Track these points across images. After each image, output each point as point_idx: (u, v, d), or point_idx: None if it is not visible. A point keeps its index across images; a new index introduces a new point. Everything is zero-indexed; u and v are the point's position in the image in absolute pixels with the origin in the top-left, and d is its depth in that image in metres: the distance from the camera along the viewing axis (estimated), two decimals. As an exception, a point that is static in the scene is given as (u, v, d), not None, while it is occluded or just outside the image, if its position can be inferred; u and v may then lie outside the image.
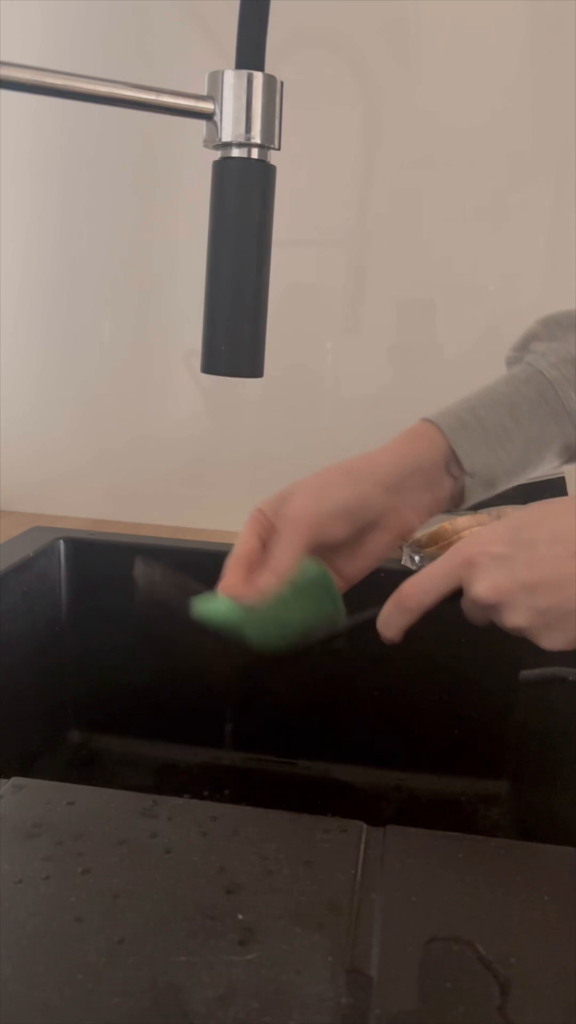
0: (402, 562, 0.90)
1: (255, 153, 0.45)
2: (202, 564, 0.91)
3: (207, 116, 0.45)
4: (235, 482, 1.04)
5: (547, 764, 0.77)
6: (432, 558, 0.89)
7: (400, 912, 0.41)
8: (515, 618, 0.47)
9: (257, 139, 0.45)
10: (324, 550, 0.57)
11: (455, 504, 0.60)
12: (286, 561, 0.54)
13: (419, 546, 0.89)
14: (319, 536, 0.55)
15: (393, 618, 0.52)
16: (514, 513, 0.50)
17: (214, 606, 0.54)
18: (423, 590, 0.51)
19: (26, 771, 0.86)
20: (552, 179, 0.94)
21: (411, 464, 0.57)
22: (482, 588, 0.47)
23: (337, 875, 0.43)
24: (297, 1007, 0.35)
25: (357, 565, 0.60)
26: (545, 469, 0.62)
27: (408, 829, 0.46)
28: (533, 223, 0.95)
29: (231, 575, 0.56)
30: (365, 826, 0.47)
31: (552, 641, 0.47)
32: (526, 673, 0.68)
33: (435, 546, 0.88)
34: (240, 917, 0.40)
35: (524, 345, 0.65)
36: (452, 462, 0.58)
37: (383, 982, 0.36)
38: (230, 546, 0.94)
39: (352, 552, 0.59)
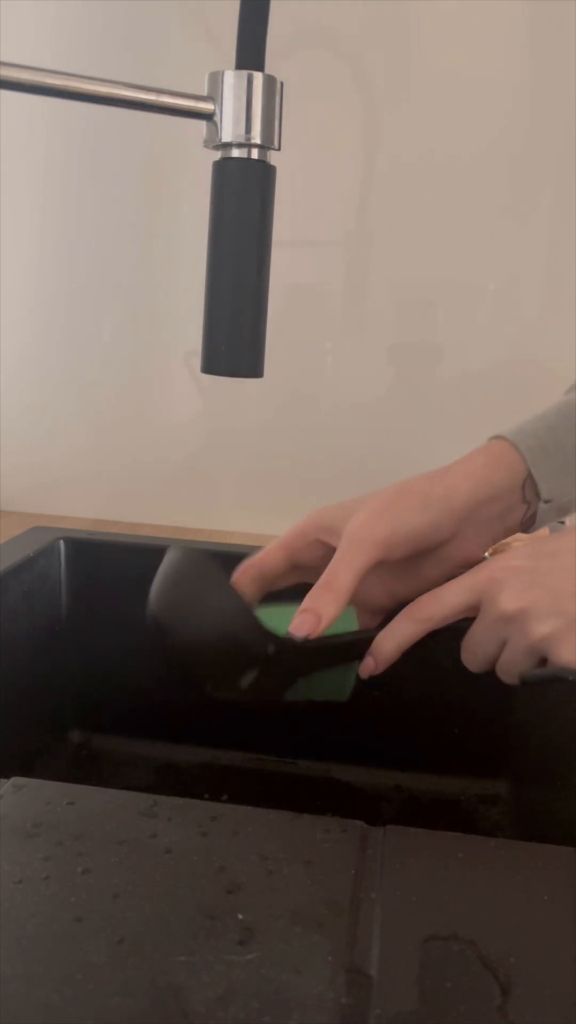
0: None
1: (255, 153, 0.45)
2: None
3: (207, 116, 0.45)
4: (235, 482, 1.04)
5: (547, 764, 0.77)
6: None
7: (400, 912, 0.41)
8: (540, 626, 0.47)
9: (257, 139, 0.45)
10: (379, 567, 0.53)
11: (524, 529, 0.57)
12: (348, 583, 0.50)
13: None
14: (383, 560, 0.52)
15: (400, 628, 0.51)
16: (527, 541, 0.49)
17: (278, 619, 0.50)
18: (440, 601, 0.50)
19: (26, 771, 0.86)
20: (552, 179, 0.94)
21: (488, 493, 0.54)
22: (506, 598, 0.47)
23: (337, 875, 0.43)
24: (297, 1007, 0.35)
25: (409, 586, 0.56)
26: None
27: (408, 829, 0.46)
28: (533, 223, 0.95)
29: (238, 580, 0.54)
30: (365, 826, 0.47)
31: (571, 655, 0.47)
32: (526, 673, 0.68)
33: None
34: (240, 917, 0.40)
35: None
36: (529, 488, 0.55)
37: (383, 982, 0.36)
38: (230, 546, 0.94)
39: (406, 573, 0.55)
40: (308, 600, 0.50)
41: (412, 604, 0.51)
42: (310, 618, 0.49)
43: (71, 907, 0.40)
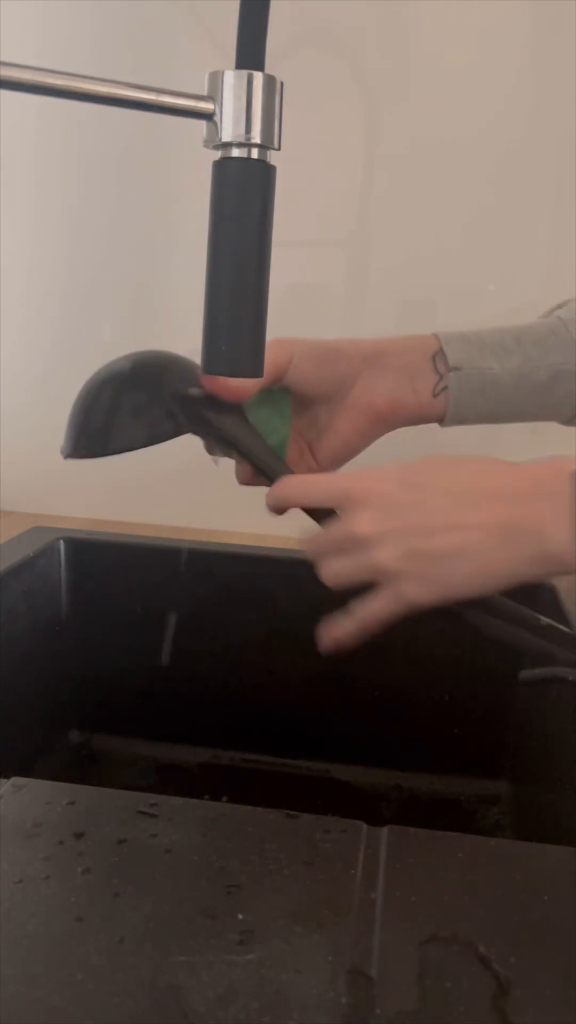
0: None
1: (255, 153, 0.45)
2: (202, 564, 0.92)
3: (207, 116, 0.45)
4: (235, 482, 1.04)
5: (547, 764, 0.77)
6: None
7: (400, 912, 0.41)
8: (384, 555, 0.47)
9: (257, 139, 0.45)
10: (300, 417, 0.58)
11: (438, 412, 0.59)
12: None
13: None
14: (287, 361, 0.57)
15: (271, 499, 0.54)
16: (409, 463, 0.50)
17: None
18: (301, 492, 0.52)
19: (26, 771, 0.86)
20: (552, 179, 0.94)
21: (394, 346, 0.59)
22: (361, 519, 0.48)
23: (337, 875, 0.43)
24: (297, 1007, 0.35)
25: (329, 445, 0.60)
26: (553, 403, 0.60)
27: (408, 829, 0.46)
28: (533, 223, 0.95)
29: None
30: (365, 826, 0.46)
31: (416, 589, 0.47)
32: (526, 673, 0.68)
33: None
34: (240, 917, 0.40)
35: (554, 309, 0.65)
36: (439, 357, 0.58)
37: (383, 982, 0.36)
38: (230, 546, 0.94)
39: (324, 430, 0.59)
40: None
41: (285, 480, 0.53)
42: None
43: (71, 907, 0.40)
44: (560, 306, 0.65)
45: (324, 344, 0.59)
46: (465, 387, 0.58)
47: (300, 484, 0.52)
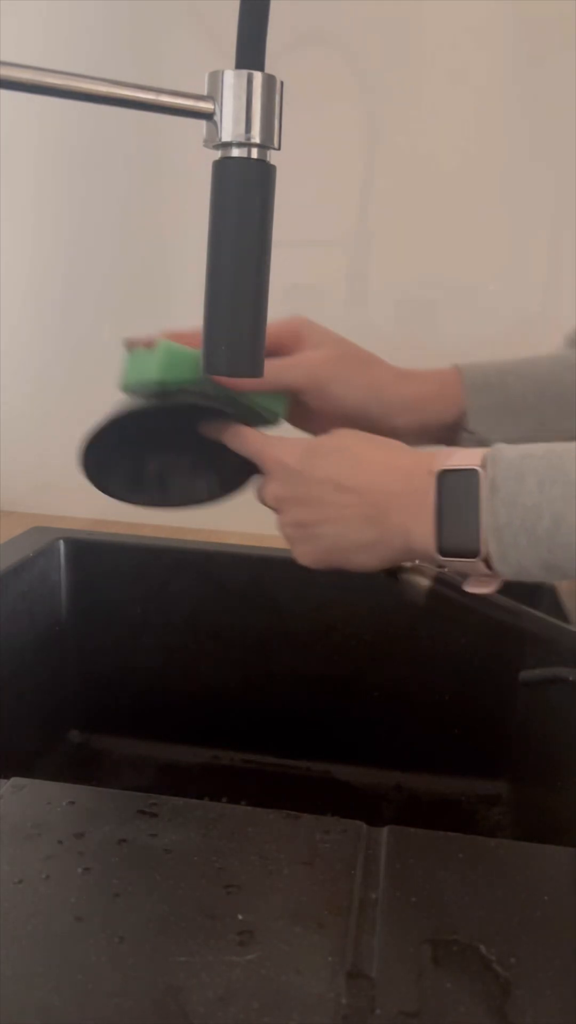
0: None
1: (255, 153, 0.45)
2: (202, 564, 0.92)
3: (207, 116, 0.45)
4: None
5: (547, 764, 0.77)
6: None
7: (400, 912, 0.41)
8: (283, 523, 0.55)
9: (257, 139, 0.45)
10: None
11: (438, 439, 0.63)
12: (269, 383, 0.58)
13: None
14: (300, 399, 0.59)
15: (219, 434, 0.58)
16: (318, 437, 0.55)
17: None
18: (235, 442, 0.57)
19: (26, 771, 0.86)
20: (552, 178, 0.94)
21: (421, 423, 0.61)
22: (267, 489, 0.55)
23: (337, 875, 0.43)
24: (297, 1007, 0.35)
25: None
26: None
27: (408, 829, 0.46)
28: (533, 223, 0.95)
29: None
30: (365, 826, 0.46)
31: (300, 554, 0.54)
32: (526, 673, 0.68)
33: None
34: (240, 917, 0.40)
35: None
36: (460, 417, 0.61)
37: (383, 982, 0.36)
38: (230, 546, 0.94)
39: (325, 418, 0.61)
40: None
41: (232, 427, 0.58)
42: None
43: (71, 907, 0.40)
44: None
45: (348, 407, 0.60)
46: (473, 442, 0.61)
47: (236, 434, 0.57)
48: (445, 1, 0.91)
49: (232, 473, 0.60)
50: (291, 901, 0.41)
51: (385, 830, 0.46)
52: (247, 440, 0.56)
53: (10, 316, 1.04)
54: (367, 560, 0.52)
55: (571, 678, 0.65)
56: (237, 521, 1.03)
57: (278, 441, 0.55)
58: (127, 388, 0.59)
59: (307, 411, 0.61)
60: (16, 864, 0.42)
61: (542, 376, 0.61)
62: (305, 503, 0.52)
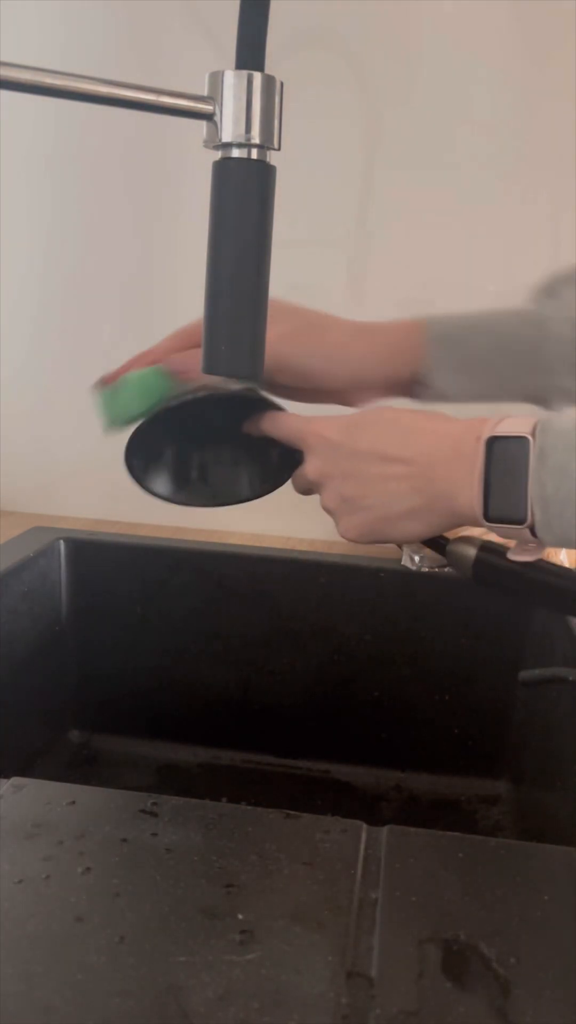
0: (402, 562, 0.90)
1: (255, 153, 0.45)
2: (202, 564, 0.92)
3: (207, 116, 0.45)
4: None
5: (547, 764, 0.77)
6: (433, 559, 0.89)
7: (400, 912, 0.41)
8: (324, 497, 0.54)
9: (257, 139, 0.45)
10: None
11: (403, 392, 0.63)
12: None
13: (419, 546, 0.89)
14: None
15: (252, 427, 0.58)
16: (361, 410, 0.56)
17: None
18: (271, 427, 0.57)
19: (26, 771, 0.86)
20: (552, 178, 0.93)
21: (383, 374, 0.61)
22: (311, 466, 0.54)
23: (337, 875, 0.43)
24: (297, 1007, 0.35)
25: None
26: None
27: (408, 829, 0.46)
28: (533, 222, 0.95)
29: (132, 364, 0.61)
30: (365, 826, 0.47)
31: (345, 528, 0.54)
32: (526, 673, 0.68)
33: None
34: (240, 917, 0.40)
35: (552, 288, 0.67)
36: (422, 369, 0.61)
37: (383, 982, 0.36)
38: (230, 546, 0.94)
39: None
40: (182, 354, 0.59)
41: (267, 414, 0.57)
42: (178, 360, 0.58)
43: (71, 907, 0.40)
44: (553, 291, 0.66)
45: (308, 368, 0.60)
46: (435, 395, 0.62)
47: (271, 420, 0.57)
48: (445, 1, 0.91)
49: (274, 464, 0.60)
50: (291, 901, 0.41)
51: (385, 830, 0.46)
52: (286, 423, 0.56)
53: (11, 316, 1.04)
54: (413, 528, 0.51)
55: (571, 678, 0.65)
56: (237, 521, 1.03)
57: (317, 418, 0.55)
58: (112, 425, 0.60)
59: (281, 389, 0.61)
60: (16, 864, 0.42)
61: (505, 332, 0.61)
62: (350, 476, 0.52)
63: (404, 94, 0.94)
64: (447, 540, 0.54)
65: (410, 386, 0.62)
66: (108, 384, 0.59)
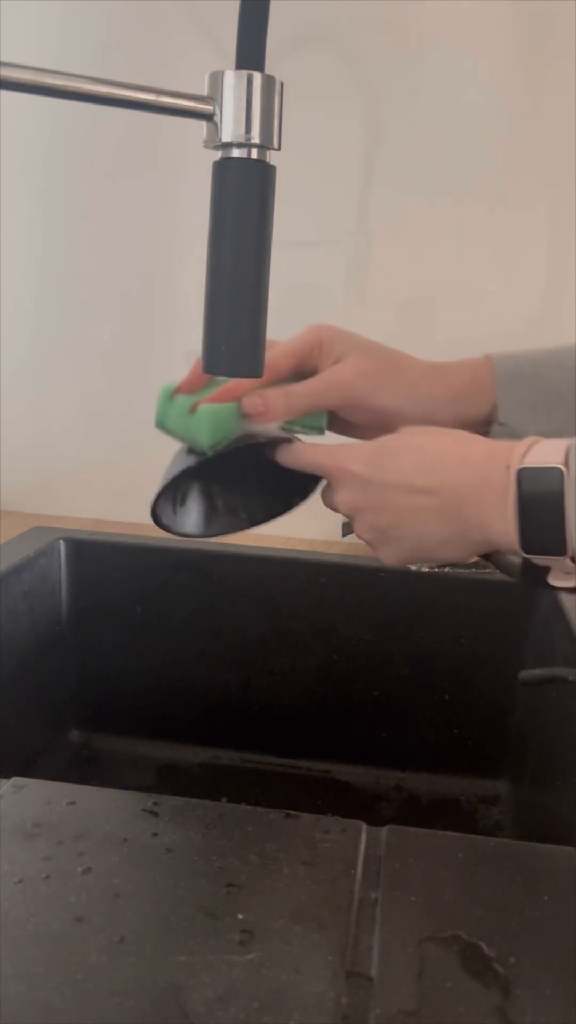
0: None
1: (255, 153, 0.45)
2: (202, 564, 0.92)
3: (207, 117, 0.45)
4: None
5: (547, 764, 0.77)
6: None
7: (400, 912, 0.41)
8: (359, 529, 0.54)
9: (257, 139, 0.45)
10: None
11: (477, 430, 0.60)
12: (300, 408, 0.56)
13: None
14: (340, 410, 0.59)
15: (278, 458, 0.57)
16: (385, 437, 0.54)
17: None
18: (292, 459, 0.55)
19: (26, 771, 0.86)
20: (552, 178, 0.93)
21: (456, 414, 0.59)
22: (339, 499, 0.54)
23: (337, 875, 0.43)
24: (297, 1007, 0.35)
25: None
26: None
27: (408, 829, 0.46)
28: (533, 223, 0.95)
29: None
30: (365, 826, 0.47)
31: (385, 555, 0.53)
32: (526, 673, 0.68)
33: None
34: (240, 917, 0.40)
35: None
36: (493, 409, 0.59)
37: (383, 982, 0.36)
38: (230, 546, 0.94)
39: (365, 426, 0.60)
40: (262, 394, 0.56)
41: (287, 446, 0.56)
42: (259, 403, 0.55)
43: (71, 907, 0.40)
44: None
45: (388, 407, 0.58)
46: (504, 434, 0.59)
47: (292, 451, 0.56)
48: (445, 1, 0.91)
49: (301, 484, 0.59)
50: (291, 901, 0.41)
51: (385, 830, 0.46)
52: (305, 456, 0.55)
53: (11, 317, 1.04)
54: (452, 554, 0.51)
55: (571, 678, 0.65)
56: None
57: (339, 450, 0.54)
58: (167, 431, 0.59)
59: (346, 423, 0.60)
60: (16, 864, 0.42)
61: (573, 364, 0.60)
62: (380, 509, 0.52)
63: (404, 94, 0.94)
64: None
65: (483, 424, 0.60)
66: (180, 393, 0.57)
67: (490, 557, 0.53)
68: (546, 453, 0.45)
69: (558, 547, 0.45)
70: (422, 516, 0.50)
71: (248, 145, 0.45)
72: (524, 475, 0.45)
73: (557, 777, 0.73)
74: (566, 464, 0.44)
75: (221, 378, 0.56)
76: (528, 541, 0.46)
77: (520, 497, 0.45)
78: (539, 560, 0.46)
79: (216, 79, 0.45)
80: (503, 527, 0.46)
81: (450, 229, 0.96)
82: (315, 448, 0.55)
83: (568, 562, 0.45)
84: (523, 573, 0.50)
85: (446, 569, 0.88)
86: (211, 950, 0.37)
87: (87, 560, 0.94)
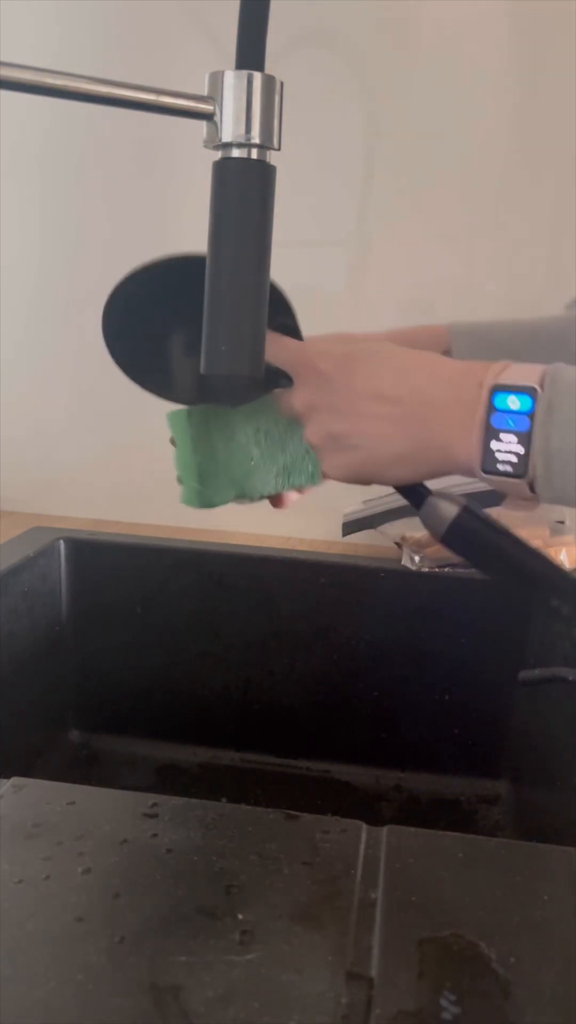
0: (402, 562, 0.90)
1: (255, 153, 0.45)
2: (202, 564, 0.92)
3: (207, 116, 0.45)
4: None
5: (547, 764, 0.77)
6: (433, 559, 0.89)
7: (400, 912, 0.41)
8: (311, 432, 0.52)
9: (257, 139, 0.45)
10: None
11: None
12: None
13: (420, 546, 0.90)
14: None
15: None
16: (359, 342, 0.52)
17: None
18: (275, 349, 0.53)
19: (26, 771, 0.86)
20: (552, 178, 0.93)
21: (404, 339, 0.58)
22: (297, 395, 0.52)
23: (337, 875, 0.43)
24: (297, 1007, 0.35)
25: None
26: None
27: (408, 829, 0.46)
28: (533, 222, 0.95)
29: None
30: (365, 826, 0.47)
31: (329, 466, 0.51)
32: (526, 673, 0.68)
33: (435, 546, 0.88)
34: (240, 917, 0.40)
35: None
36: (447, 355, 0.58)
37: (383, 982, 0.36)
38: (230, 546, 0.94)
39: None
40: None
41: (276, 336, 0.54)
42: None
43: (71, 907, 0.40)
44: None
45: (334, 337, 0.57)
46: None
47: (272, 341, 0.53)
48: (445, 1, 0.91)
49: (269, 382, 0.56)
50: (291, 901, 0.41)
51: (385, 830, 0.46)
52: (278, 346, 0.53)
53: (11, 317, 1.04)
54: (400, 473, 0.49)
55: (571, 678, 0.65)
56: (237, 521, 1.03)
57: (312, 344, 0.52)
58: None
59: None
60: (16, 864, 0.42)
61: (530, 325, 0.60)
62: (340, 412, 0.49)
63: (404, 94, 0.94)
64: (428, 492, 0.51)
65: None
66: None
67: (425, 500, 0.50)
68: (522, 374, 0.44)
69: (520, 469, 0.43)
70: (382, 426, 0.48)
71: (248, 145, 0.45)
72: (497, 391, 0.44)
73: (557, 777, 0.73)
74: (541, 386, 0.43)
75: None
76: (488, 460, 0.44)
77: (488, 412, 0.44)
78: (496, 482, 0.45)
79: (216, 79, 0.45)
80: (466, 445, 0.45)
81: (450, 229, 0.96)
82: (288, 341, 0.53)
83: (525, 487, 0.44)
84: (463, 513, 0.48)
85: (446, 569, 0.88)
86: (211, 950, 0.37)
87: (87, 560, 0.94)
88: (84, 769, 0.92)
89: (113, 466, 1.07)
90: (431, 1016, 0.35)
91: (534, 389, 0.43)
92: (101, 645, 0.95)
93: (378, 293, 0.99)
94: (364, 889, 0.42)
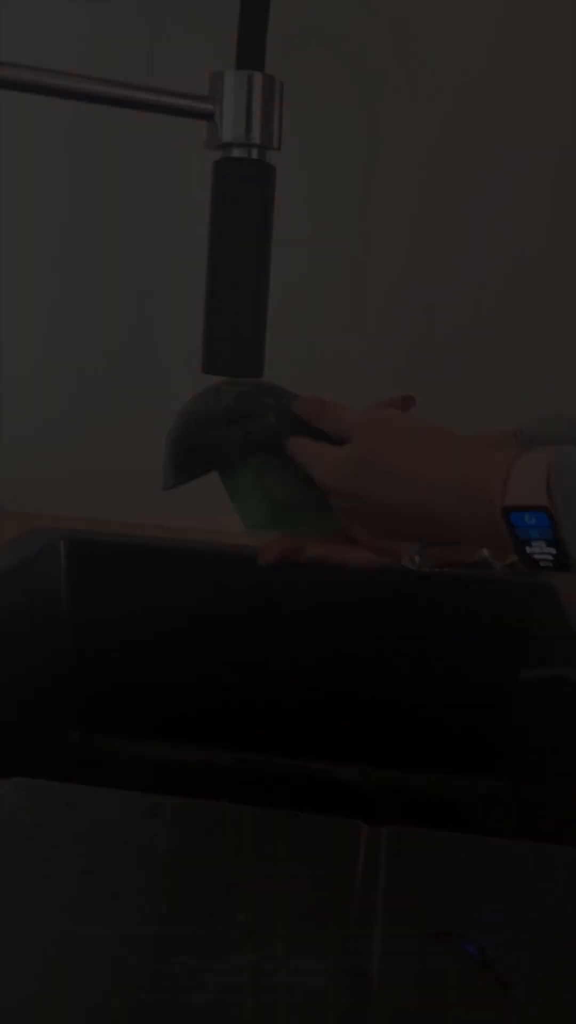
0: (402, 562, 0.90)
1: (255, 153, 0.45)
2: (202, 564, 0.92)
3: (207, 116, 0.45)
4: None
5: (547, 764, 0.77)
6: (433, 559, 0.88)
7: (400, 912, 0.41)
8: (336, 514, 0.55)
9: (257, 140, 0.45)
10: None
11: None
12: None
13: (420, 545, 0.89)
14: None
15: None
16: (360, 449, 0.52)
17: None
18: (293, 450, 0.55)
19: (26, 771, 0.86)
20: (552, 178, 0.93)
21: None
22: (325, 477, 0.53)
23: (337, 875, 0.43)
24: (297, 1007, 0.35)
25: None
26: None
27: (408, 829, 0.46)
28: (534, 222, 0.95)
29: None
30: (365, 826, 0.47)
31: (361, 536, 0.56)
32: (526, 673, 0.68)
33: (435, 546, 0.87)
34: (240, 917, 0.40)
35: None
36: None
37: (383, 982, 0.36)
38: (230, 546, 0.94)
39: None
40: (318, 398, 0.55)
41: (294, 440, 0.55)
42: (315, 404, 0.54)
43: (71, 907, 0.40)
44: None
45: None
46: None
47: (297, 445, 0.55)
48: (445, 1, 0.91)
49: None
50: (291, 901, 0.41)
51: (385, 830, 0.46)
52: (301, 451, 0.55)
53: (12, 317, 1.04)
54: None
55: (571, 678, 0.65)
56: (237, 521, 1.03)
57: (323, 453, 0.53)
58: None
59: None
60: (16, 864, 0.42)
61: None
62: (358, 516, 0.54)
63: (404, 94, 0.94)
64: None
65: None
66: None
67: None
68: (528, 483, 0.43)
69: (561, 562, 0.44)
70: (405, 532, 0.55)
71: (248, 145, 0.45)
72: (511, 513, 0.44)
73: (557, 777, 0.73)
74: (548, 487, 0.42)
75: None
76: (530, 563, 0.46)
77: (511, 529, 0.45)
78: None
79: (216, 79, 0.45)
80: (474, 533, 0.48)
81: (450, 228, 0.96)
82: (305, 444, 0.54)
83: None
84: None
85: (446, 569, 0.88)
86: (211, 950, 0.37)
87: (87, 560, 0.94)
88: (84, 769, 0.92)
89: (113, 466, 1.07)
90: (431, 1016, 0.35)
91: (544, 507, 0.42)
92: (101, 645, 0.95)
93: (378, 293, 0.99)
94: (364, 889, 0.42)
